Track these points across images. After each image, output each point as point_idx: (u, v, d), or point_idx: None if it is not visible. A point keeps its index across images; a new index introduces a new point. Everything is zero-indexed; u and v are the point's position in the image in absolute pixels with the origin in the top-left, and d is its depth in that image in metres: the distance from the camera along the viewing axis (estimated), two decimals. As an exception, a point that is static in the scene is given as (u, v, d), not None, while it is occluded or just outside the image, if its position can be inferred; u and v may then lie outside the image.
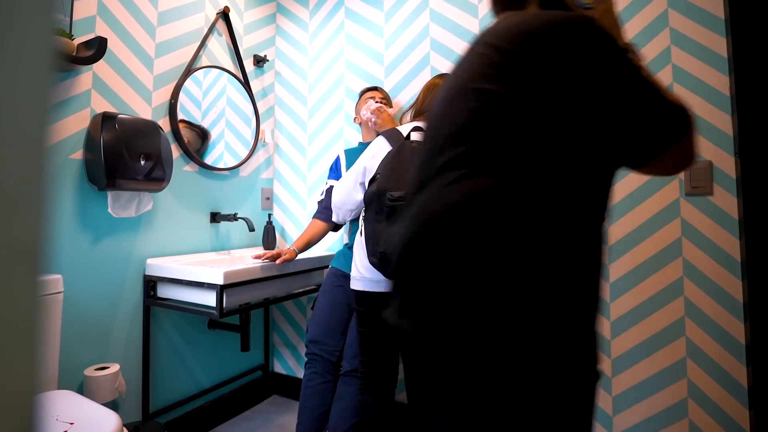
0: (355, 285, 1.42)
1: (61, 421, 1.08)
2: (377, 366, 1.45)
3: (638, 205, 1.59)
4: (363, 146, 1.87)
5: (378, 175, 1.29)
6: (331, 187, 1.85)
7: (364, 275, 1.38)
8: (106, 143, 1.51)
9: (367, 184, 1.41)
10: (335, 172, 1.96)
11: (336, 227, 1.85)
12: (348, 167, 1.90)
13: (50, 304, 1.35)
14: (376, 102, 1.87)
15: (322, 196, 1.89)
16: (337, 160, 1.98)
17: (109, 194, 1.59)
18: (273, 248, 2.26)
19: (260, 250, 2.23)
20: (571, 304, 0.61)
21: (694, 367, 1.49)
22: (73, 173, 1.54)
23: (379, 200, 1.26)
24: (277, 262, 1.71)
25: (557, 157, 0.63)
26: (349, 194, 1.49)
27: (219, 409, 2.03)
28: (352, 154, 1.91)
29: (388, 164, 1.29)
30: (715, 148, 1.49)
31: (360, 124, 1.99)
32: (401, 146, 1.32)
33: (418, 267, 0.66)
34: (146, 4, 1.81)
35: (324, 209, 1.84)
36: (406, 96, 2.08)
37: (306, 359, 1.72)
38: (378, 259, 1.24)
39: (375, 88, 1.99)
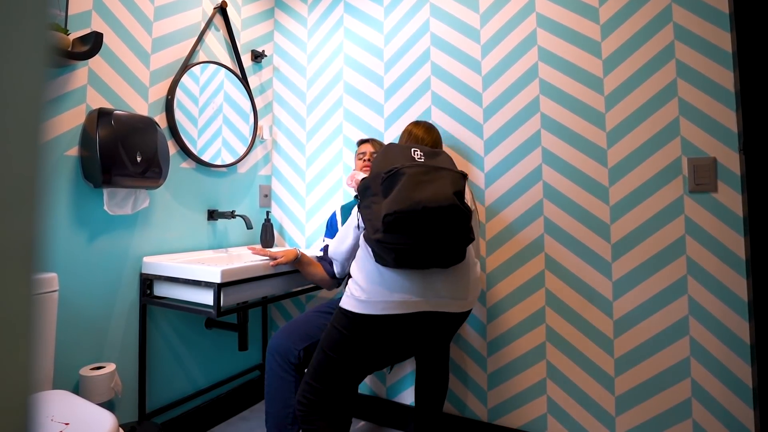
0: (348, 303, 1.28)
1: (56, 421, 1.07)
2: (327, 397, 1.32)
3: (641, 203, 1.57)
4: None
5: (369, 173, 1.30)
6: (327, 246, 1.77)
7: (357, 296, 1.26)
8: (102, 140, 1.49)
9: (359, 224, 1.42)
10: (331, 229, 1.88)
11: (337, 282, 1.76)
12: (344, 223, 1.81)
13: (45, 303, 1.33)
14: (367, 159, 1.82)
15: (321, 253, 1.83)
16: (333, 217, 1.90)
17: (105, 191, 1.57)
18: (271, 246, 2.25)
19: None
20: None
21: (698, 367, 1.47)
22: (69, 170, 1.52)
23: (372, 183, 1.25)
24: (271, 263, 1.65)
25: None
26: (346, 237, 1.45)
27: (216, 409, 2.01)
28: (347, 210, 1.85)
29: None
30: (719, 144, 1.48)
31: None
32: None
33: None
34: (142, -1, 1.79)
35: (324, 261, 1.78)
36: (405, 92, 2.06)
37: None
38: (389, 222, 1.13)
39: (368, 141, 1.89)
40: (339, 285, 1.78)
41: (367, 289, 1.25)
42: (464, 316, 1.38)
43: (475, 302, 1.39)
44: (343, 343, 1.30)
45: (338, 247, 1.52)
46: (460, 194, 1.16)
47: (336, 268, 1.62)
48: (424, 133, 1.65)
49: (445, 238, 1.16)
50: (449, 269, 1.27)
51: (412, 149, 1.28)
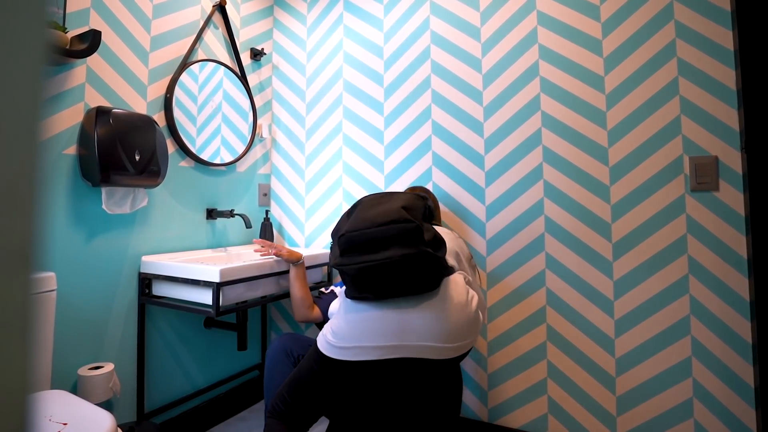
0: (321, 344, 1.23)
1: (54, 421, 1.06)
2: (295, 414, 1.27)
3: (643, 201, 1.57)
4: None
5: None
6: (333, 292, 1.74)
7: (329, 339, 1.21)
8: (100, 138, 1.48)
9: None
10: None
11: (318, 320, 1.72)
12: None
13: (43, 302, 1.32)
14: None
15: (325, 292, 1.79)
16: None
17: (103, 190, 1.56)
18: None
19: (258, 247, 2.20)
20: None
21: (699, 367, 1.47)
22: (67, 169, 1.51)
23: (343, 224, 1.24)
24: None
25: None
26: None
27: (215, 409, 2.01)
28: None
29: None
30: (720, 143, 1.47)
31: None
32: None
33: None
34: (141, -4, 1.78)
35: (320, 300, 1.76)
36: (405, 90, 2.05)
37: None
38: (343, 243, 1.14)
39: None
40: (312, 321, 1.70)
41: (338, 332, 1.19)
42: (455, 360, 1.24)
43: (471, 345, 1.21)
44: (313, 377, 1.25)
45: (335, 305, 1.45)
46: (412, 209, 1.16)
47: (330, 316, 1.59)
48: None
49: (401, 252, 1.09)
50: (429, 307, 1.16)
51: (387, 193, 1.31)
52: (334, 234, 1.28)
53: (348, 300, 1.23)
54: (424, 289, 1.16)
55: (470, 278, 1.35)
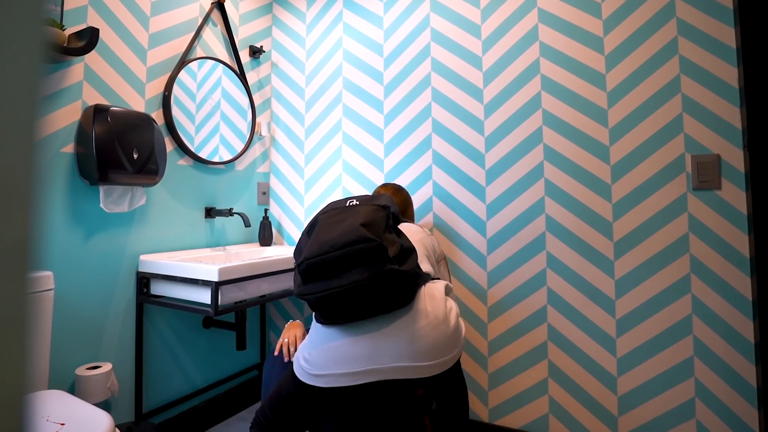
0: (296, 367, 1.17)
1: (52, 421, 1.06)
2: (278, 426, 1.21)
3: (644, 200, 1.56)
4: None
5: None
6: None
7: (302, 364, 1.15)
8: (98, 136, 1.47)
9: None
10: None
11: None
12: None
13: (40, 302, 1.32)
14: None
15: None
16: None
17: (101, 189, 1.55)
18: (269, 244, 2.24)
19: (257, 246, 2.20)
20: None
21: (701, 367, 1.46)
22: (64, 167, 1.50)
23: (300, 245, 1.18)
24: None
25: None
26: None
27: (214, 409, 2.00)
28: None
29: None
30: (723, 141, 1.46)
31: None
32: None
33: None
34: (139, -7, 1.77)
35: None
36: (405, 89, 2.04)
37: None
38: (303, 271, 1.08)
39: None
40: None
41: (311, 360, 1.13)
42: (444, 374, 1.16)
43: (456, 359, 1.12)
44: (290, 397, 1.19)
45: None
46: (372, 224, 1.08)
47: None
48: (392, 195, 1.66)
49: (366, 275, 1.03)
50: (401, 327, 1.09)
51: (348, 200, 1.20)
52: (295, 255, 1.18)
53: (318, 325, 1.18)
54: (395, 306, 1.10)
55: (450, 285, 1.31)
